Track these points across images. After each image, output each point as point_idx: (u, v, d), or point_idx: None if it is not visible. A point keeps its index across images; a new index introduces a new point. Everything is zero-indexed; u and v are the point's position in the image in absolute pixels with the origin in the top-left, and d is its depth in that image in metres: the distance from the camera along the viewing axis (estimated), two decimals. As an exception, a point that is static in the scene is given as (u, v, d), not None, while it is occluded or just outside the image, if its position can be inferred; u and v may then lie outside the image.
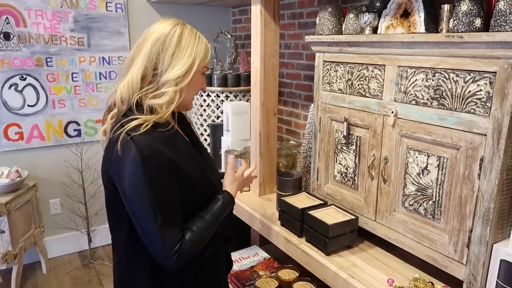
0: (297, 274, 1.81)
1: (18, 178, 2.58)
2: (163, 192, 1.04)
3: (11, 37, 2.66)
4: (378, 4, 1.46)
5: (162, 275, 1.15)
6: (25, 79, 2.76)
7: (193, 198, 1.14)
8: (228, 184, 1.28)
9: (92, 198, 3.00)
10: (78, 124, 2.99)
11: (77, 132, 3.00)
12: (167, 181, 1.05)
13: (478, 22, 1.11)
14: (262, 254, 2.11)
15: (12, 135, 2.78)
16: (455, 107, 1.17)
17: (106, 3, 2.91)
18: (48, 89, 2.84)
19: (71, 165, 2.94)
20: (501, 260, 1.12)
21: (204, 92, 2.59)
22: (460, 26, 1.13)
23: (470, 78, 1.12)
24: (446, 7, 1.20)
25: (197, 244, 1.10)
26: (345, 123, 1.57)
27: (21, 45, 2.70)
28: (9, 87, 2.72)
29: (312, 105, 1.90)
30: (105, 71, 3.02)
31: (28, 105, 2.80)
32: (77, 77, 2.92)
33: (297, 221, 1.63)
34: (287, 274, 1.83)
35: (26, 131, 2.82)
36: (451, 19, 1.16)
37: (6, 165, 2.71)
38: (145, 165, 1.00)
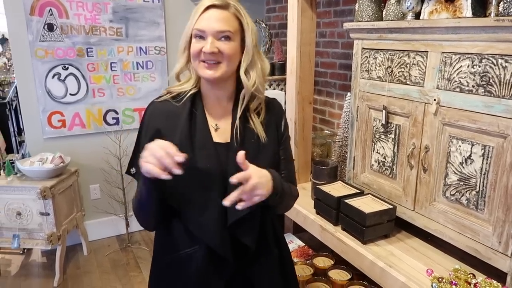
0: (332, 262, 1.81)
1: (62, 164, 2.69)
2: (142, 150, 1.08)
3: (55, 28, 2.76)
4: (421, -11, 1.42)
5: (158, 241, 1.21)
6: (67, 68, 2.86)
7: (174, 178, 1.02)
8: None
9: (130, 184, 3.09)
10: (117, 112, 3.08)
11: (115, 120, 3.09)
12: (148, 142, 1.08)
13: (530, 5, 1.07)
14: (297, 242, 2.13)
15: (55, 122, 2.90)
16: (503, 94, 1.13)
17: (143, -7, 2.97)
18: (88, 78, 2.93)
19: (110, 152, 3.04)
20: (549, 253, 1.09)
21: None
22: None
23: (521, 64, 1.08)
24: (495, -10, 1.16)
25: (135, 208, 1.10)
26: (384, 111, 1.55)
27: (63, 36, 2.80)
28: (53, 77, 2.83)
29: (348, 93, 1.88)
30: (142, 61, 3.09)
31: (70, 94, 2.90)
32: (115, 66, 3.00)
33: (333, 209, 1.63)
34: (322, 261, 1.84)
35: (68, 119, 2.94)
36: (501, 2, 1.12)
37: (50, 151, 2.83)
38: (141, 124, 1.15)
